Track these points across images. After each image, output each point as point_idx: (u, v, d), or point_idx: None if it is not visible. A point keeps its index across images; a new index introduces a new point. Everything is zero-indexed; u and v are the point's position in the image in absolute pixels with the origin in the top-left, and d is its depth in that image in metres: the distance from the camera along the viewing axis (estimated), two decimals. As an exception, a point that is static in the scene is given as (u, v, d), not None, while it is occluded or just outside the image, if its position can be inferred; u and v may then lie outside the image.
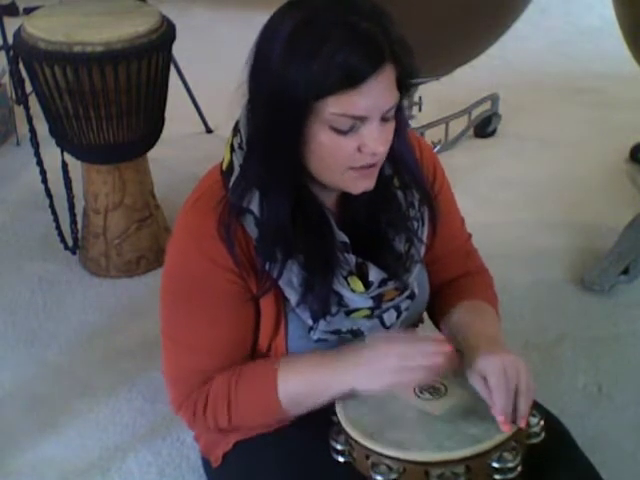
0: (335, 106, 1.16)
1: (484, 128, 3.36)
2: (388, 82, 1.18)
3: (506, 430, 1.20)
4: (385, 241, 1.34)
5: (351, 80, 1.14)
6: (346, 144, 1.19)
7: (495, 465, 1.18)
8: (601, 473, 1.33)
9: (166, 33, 2.36)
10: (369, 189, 1.27)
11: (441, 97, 3.31)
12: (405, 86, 1.22)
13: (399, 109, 1.24)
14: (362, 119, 1.18)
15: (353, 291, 1.30)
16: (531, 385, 1.23)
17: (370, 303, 1.32)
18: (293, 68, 1.14)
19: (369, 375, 1.24)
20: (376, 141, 1.19)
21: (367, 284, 1.31)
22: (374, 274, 1.31)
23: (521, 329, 2.29)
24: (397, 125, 1.25)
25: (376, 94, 1.16)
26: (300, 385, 1.30)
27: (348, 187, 1.26)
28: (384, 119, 1.20)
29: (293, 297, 1.29)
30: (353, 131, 1.19)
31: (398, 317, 1.37)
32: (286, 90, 1.15)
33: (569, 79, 3.85)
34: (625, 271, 2.47)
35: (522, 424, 1.21)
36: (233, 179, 1.27)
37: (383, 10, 1.19)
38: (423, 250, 1.39)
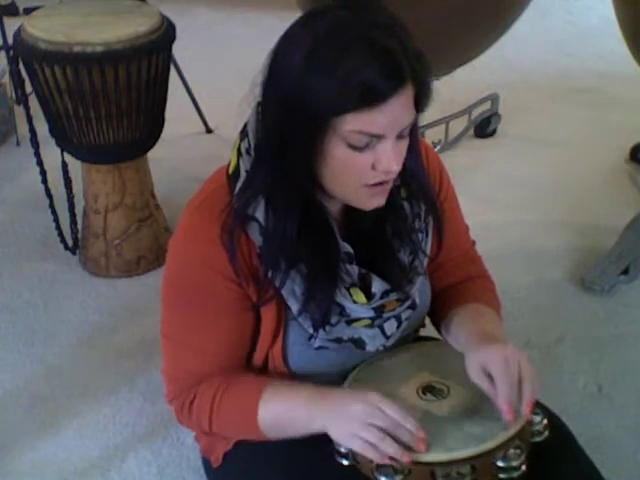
0: (353, 123, 1.15)
1: (484, 128, 3.36)
2: (406, 101, 1.17)
3: (511, 419, 1.19)
4: (390, 252, 1.33)
5: (371, 99, 1.13)
6: (361, 160, 1.19)
7: (500, 464, 1.19)
8: (601, 473, 1.33)
9: (166, 33, 2.36)
10: (380, 205, 1.26)
11: (441, 97, 3.30)
12: (422, 104, 1.21)
13: (413, 125, 1.23)
14: (379, 137, 1.17)
15: (355, 302, 1.30)
16: (534, 373, 1.23)
17: (371, 313, 1.32)
18: (312, 83, 1.13)
19: (343, 430, 1.21)
20: (391, 159, 1.19)
21: (369, 295, 1.30)
22: (377, 286, 1.30)
23: (521, 329, 2.29)
24: (410, 140, 1.24)
25: (395, 113, 1.15)
26: (280, 414, 1.30)
27: (360, 203, 1.26)
28: (399, 136, 1.19)
29: (295, 306, 1.29)
30: (368, 148, 1.18)
31: (399, 326, 1.37)
32: (304, 104, 1.14)
33: (569, 79, 3.85)
34: (625, 271, 2.48)
35: (527, 411, 1.21)
36: (239, 185, 1.27)
37: (400, 22, 1.17)
38: (426, 262, 1.39)
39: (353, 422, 1.20)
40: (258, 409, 1.29)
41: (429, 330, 1.53)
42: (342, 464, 1.24)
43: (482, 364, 1.24)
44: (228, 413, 1.32)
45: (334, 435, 1.23)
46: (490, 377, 1.24)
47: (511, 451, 1.19)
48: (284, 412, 1.29)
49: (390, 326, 1.35)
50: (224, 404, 1.32)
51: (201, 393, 1.34)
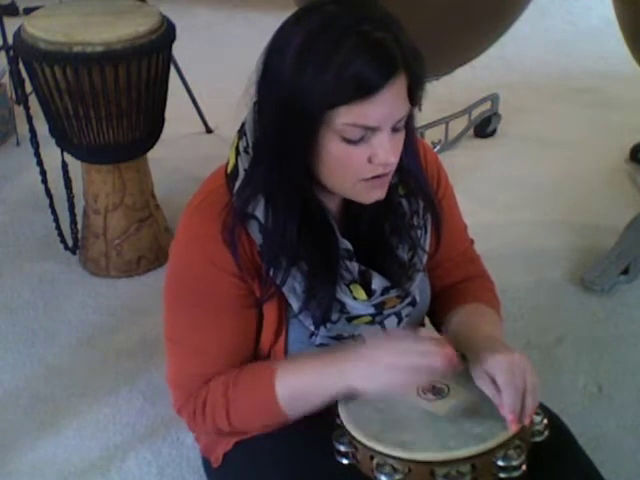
0: (347, 116, 1.15)
1: (484, 128, 3.36)
2: (400, 92, 1.17)
3: (514, 428, 1.19)
4: (389, 249, 1.33)
5: (364, 91, 1.13)
6: (357, 155, 1.19)
7: (500, 463, 1.18)
8: (601, 473, 1.33)
9: (166, 33, 2.36)
10: (380, 199, 1.26)
11: (441, 97, 3.31)
12: (416, 96, 1.21)
13: (409, 118, 1.23)
14: (373, 129, 1.17)
15: (355, 299, 1.30)
16: (537, 383, 1.23)
17: (372, 310, 1.32)
18: (305, 78, 1.13)
19: (366, 373, 1.22)
20: (387, 152, 1.19)
21: (370, 292, 1.31)
22: (377, 282, 1.31)
23: (521, 329, 2.29)
24: (406, 134, 1.24)
25: (388, 104, 1.16)
26: (298, 384, 1.28)
27: (359, 197, 1.26)
28: (395, 129, 1.20)
29: (295, 304, 1.29)
30: (364, 141, 1.18)
31: (399, 323, 1.37)
32: (298, 99, 1.15)
33: (569, 79, 3.85)
34: (625, 271, 2.48)
35: (527, 421, 1.21)
36: (238, 184, 1.27)
37: (394, 18, 1.18)
38: (425, 259, 1.39)
39: (382, 368, 1.20)
40: (275, 387, 1.28)
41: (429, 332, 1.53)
42: (342, 463, 1.24)
43: (487, 370, 1.24)
44: (245, 402, 1.31)
45: (362, 385, 1.22)
46: (495, 382, 1.24)
47: (511, 451, 1.19)
48: (303, 377, 1.27)
49: (390, 323, 1.35)
50: (238, 394, 1.30)
51: (212, 392, 1.32)
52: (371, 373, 1.22)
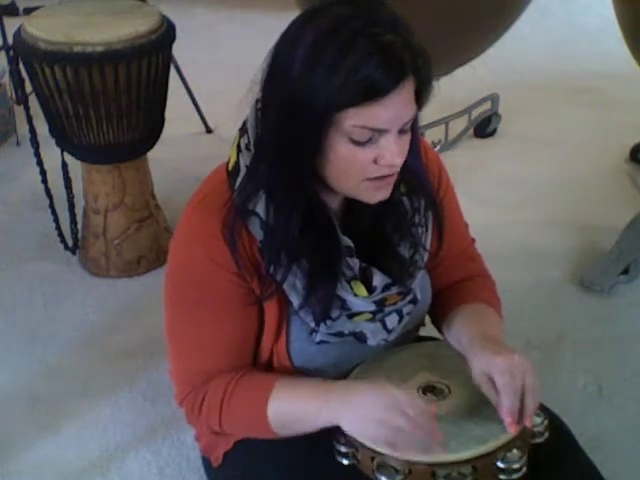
0: (355, 118, 1.15)
1: (484, 128, 3.36)
2: (408, 95, 1.17)
3: (513, 431, 1.19)
4: (389, 246, 1.34)
5: (373, 94, 1.13)
6: (363, 155, 1.19)
7: (500, 465, 1.19)
8: (601, 473, 1.33)
9: (166, 33, 2.36)
10: (385, 198, 1.27)
11: (441, 97, 3.29)
12: (423, 98, 1.22)
13: (414, 121, 1.23)
14: (381, 131, 1.17)
15: (356, 295, 1.30)
16: (537, 385, 1.23)
17: (372, 307, 1.32)
18: (315, 79, 1.13)
19: (354, 419, 1.23)
20: (394, 153, 1.19)
21: (370, 289, 1.31)
22: (378, 279, 1.31)
23: (521, 329, 2.29)
24: (411, 136, 1.24)
25: (397, 107, 1.16)
26: (290, 409, 1.30)
27: (364, 197, 1.26)
28: (402, 131, 1.20)
29: (296, 300, 1.29)
30: (371, 142, 1.18)
31: (400, 321, 1.37)
32: (306, 100, 1.15)
33: (569, 79, 3.85)
34: (625, 271, 2.48)
35: (527, 423, 1.21)
36: (239, 180, 1.27)
37: (403, 20, 1.18)
38: (427, 256, 1.39)
39: (370, 420, 1.20)
40: (268, 405, 1.29)
41: (429, 330, 1.53)
42: (342, 463, 1.25)
43: (487, 372, 1.24)
44: (237, 411, 1.32)
45: (347, 428, 1.23)
46: (494, 383, 1.24)
47: (512, 452, 1.19)
48: (294, 407, 1.29)
49: (391, 320, 1.35)
50: (234, 402, 1.32)
51: (211, 392, 1.33)
52: (359, 420, 1.22)
